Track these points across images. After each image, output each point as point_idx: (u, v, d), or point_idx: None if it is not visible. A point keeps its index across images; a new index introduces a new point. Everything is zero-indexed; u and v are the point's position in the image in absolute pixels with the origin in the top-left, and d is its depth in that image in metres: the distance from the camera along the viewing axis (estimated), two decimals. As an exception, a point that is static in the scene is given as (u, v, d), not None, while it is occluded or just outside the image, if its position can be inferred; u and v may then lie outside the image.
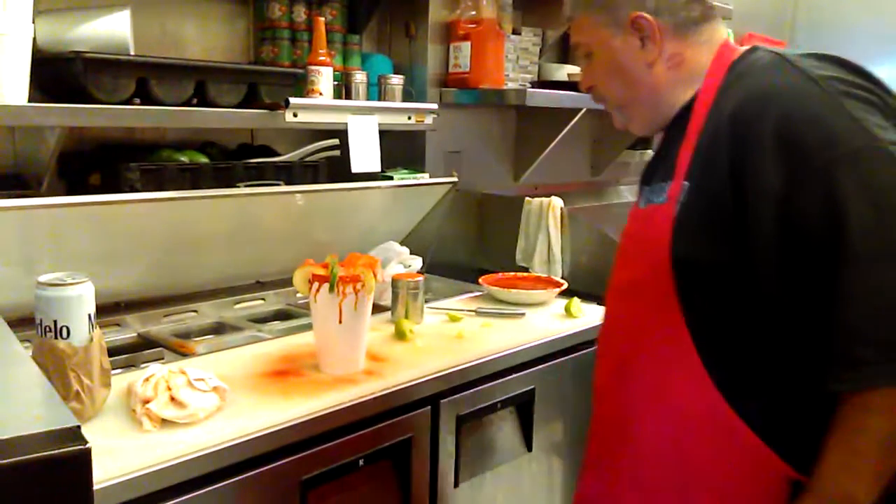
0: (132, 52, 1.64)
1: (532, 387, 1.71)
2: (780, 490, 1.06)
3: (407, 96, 2.24)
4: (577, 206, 2.63)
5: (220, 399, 1.23)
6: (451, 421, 1.52)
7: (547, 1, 2.61)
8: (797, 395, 1.05)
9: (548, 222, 2.22)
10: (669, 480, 1.14)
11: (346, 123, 1.97)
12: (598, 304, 1.98)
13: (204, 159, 1.85)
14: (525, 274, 2.19)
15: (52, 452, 0.51)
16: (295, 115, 1.84)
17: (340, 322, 1.40)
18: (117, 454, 1.06)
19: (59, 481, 0.52)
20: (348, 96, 2.11)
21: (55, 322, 1.11)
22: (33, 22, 1.43)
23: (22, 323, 1.28)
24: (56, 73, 1.55)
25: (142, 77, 1.59)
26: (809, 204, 0.97)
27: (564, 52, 2.85)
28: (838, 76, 1.03)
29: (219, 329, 1.85)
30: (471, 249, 2.41)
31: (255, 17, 2.10)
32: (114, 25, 1.61)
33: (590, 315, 1.91)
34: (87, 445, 0.52)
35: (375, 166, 2.03)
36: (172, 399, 1.18)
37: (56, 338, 1.11)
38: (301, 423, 1.25)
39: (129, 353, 1.54)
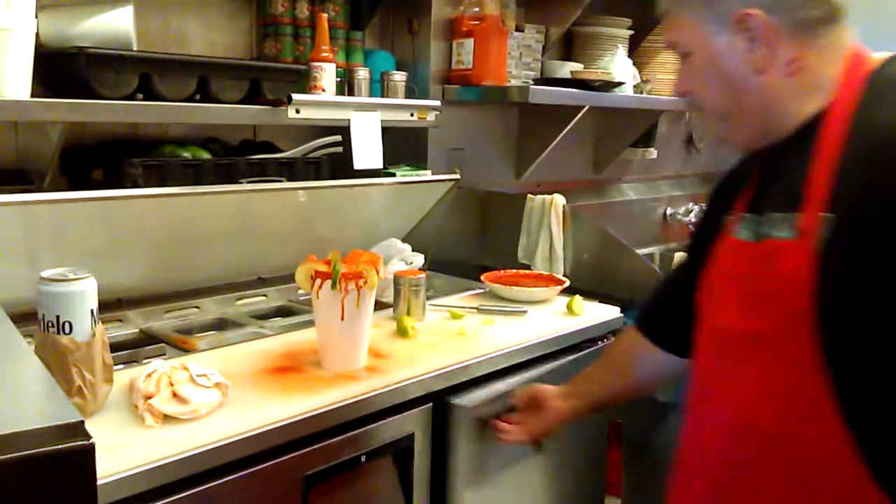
0: (135, 48, 1.64)
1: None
2: None
3: (409, 93, 2.23)
4: (580, 204, 2.63)
5: (222, 395, 1.23)
6: (456, 418, 1.52)
7: (550, -2, 2.61)
8: None
9: (550, 220, 2.22)
10: None
11: (349, 120, 1.97)
12: (599, 301, 1.99)
13: (206, 155, 1.85)
14: (527, 271, 2.19)
15: (56, 447, 0.51)
16: (297, 112, 1.83)
17: (342, 319, 1.40)
18: (119, 450, 1.06)
19: (62, 476, 0.51)
20: (351, 93, 2.10)
21: (57, 317, 1.11)
22: (36, 17, 1.43)
23: (24, 318, 1.27)
24: (59, 69, 1.55)
25: (145, 73, 1.59)
26: None
27: (567, 50, 2.85)
28: None
29: (220, 325, 1.85)
30: (473, 247, 2.41)
31: (258, 13, 2.10)
32: (117, 21, 1.61)
33: (592, 313, 1.91)
34: (91, 441, 0.52)
35: (378, 163, 2.03)
36: (174, 395, 1.18)
37: (58, 333, 1.11)
38: (303, 420, 1.25)
39: (130, 349, 1.54)
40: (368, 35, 2.30)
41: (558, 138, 2.57)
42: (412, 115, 2.16)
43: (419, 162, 2.30)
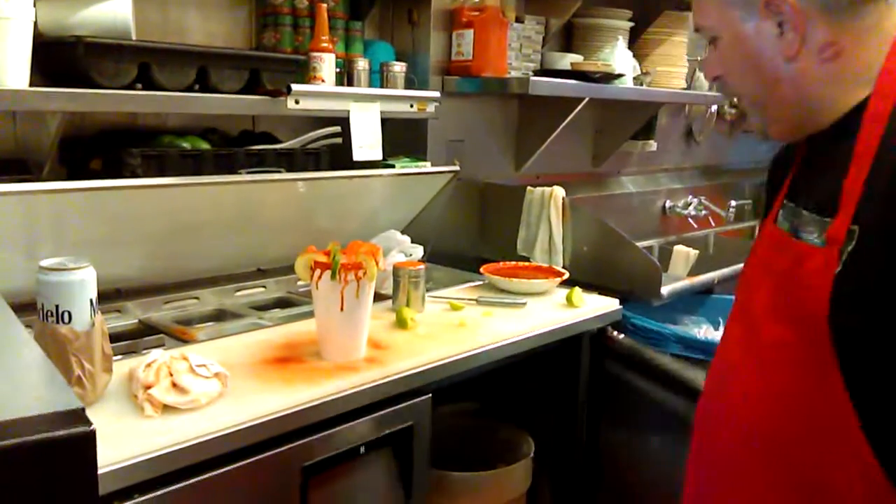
0: (134, 38, 1.63)
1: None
2: None
3: (409, 84, 2.23)
4: (579, 196, 2.63)
5: (221, 385, 1.23)
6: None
7: (550, -11, 2.60)
8: None
9: (549, 212, 2.21)
10: None
11: (348, 111, 1.96)
12: (599, 293, 1.99)
13: (205, 145, 1.84)
14: (526, 263, 2.18)
15: (56, 434, 0.50)
16: (297, 102, 1.83)
17: (342, 309, 1.40)
18: (119, 439, 1.06)
19: (62, 463, 0.51)
20: (350, 83, 2.10)
21: (57, 307, 1.11)
22: (35, 6, 1.42)
23: (22, 309, 1.27)
24: (57, 58, 1.54)
25: (143, 62, 1.58)
26: None
27: (567, 41, 2.84)
28: None
29: (220, 316, 1.85)
30: (472, 239, 2.40)
31: (257, 4, 2.09)
32: (115, 10, 1.60)
33: (591, 304, 1.91)
34: (92, 427, 0.52)
35: (377, 154, 2.02)
36: (174, 385, 1.18)
37: (58, 322, 1.11)
38: (302, 410, 1.25)
39: (129, 340, 1.53)
40: (368, 25, 2.29)
41: (558, 130, 2.56)
42: (412, 106, 2.15)
43: (418, 153, 2.30)
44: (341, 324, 1.42)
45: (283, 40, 2.04)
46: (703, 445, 1.10)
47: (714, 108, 3.32)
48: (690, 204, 3.26)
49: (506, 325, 1.72)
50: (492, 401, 2.07)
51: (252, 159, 1.85)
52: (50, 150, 1.62)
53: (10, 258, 1.48)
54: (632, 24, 2.82)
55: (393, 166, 2.15)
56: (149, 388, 1.16)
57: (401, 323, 1.66)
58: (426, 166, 2.24)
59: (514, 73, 2.49)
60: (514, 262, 2.17)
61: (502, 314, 1.80)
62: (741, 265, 1.13)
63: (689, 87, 3.09)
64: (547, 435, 1.98)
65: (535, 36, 2.61)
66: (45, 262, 1.12)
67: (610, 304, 1.95)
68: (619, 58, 2.66)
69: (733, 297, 1.12)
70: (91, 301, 1.14)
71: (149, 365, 1.20)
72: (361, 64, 2.11)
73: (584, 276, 2.07)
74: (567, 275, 2.04)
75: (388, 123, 2.05)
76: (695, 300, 2.31)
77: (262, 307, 1.92)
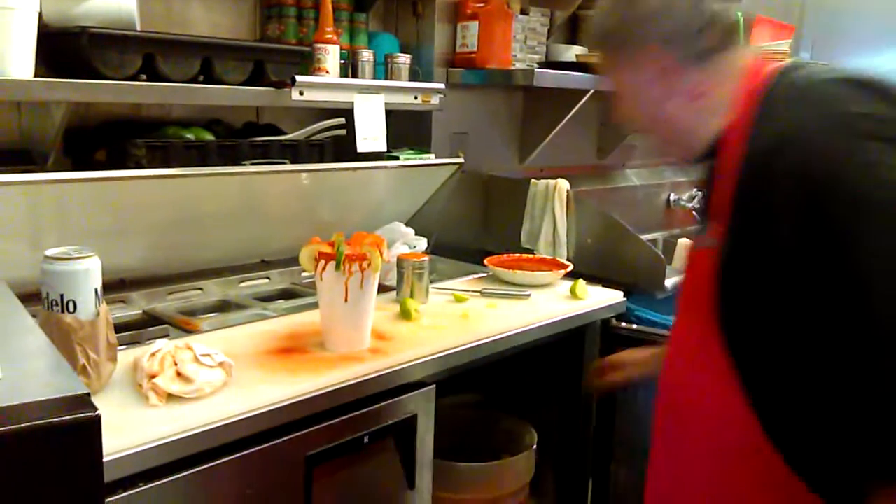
0: (138, 28, 1.63)
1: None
2: None
3: (413, 76, 2.22)
4: (583, 189, 2.62)
5: (225, 375, 1.23)
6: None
7: (555, -19, 2.59)
8: (835, 436, 0.97)
9: (553, 204, 2.21)
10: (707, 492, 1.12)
11: (353, 102, 1.96)
12: (603, 286, 1.99)
13: (210, 137, 1.84)
14: (530, 256, 2.18)
15: (62, 419, 0.51)
16: (301, 94, 1.83)
17: (346, 300, 1.40)
18: (123, 428, 1.07)
19: (68, 448, 0.52)
20: (354, 75, 2.10)
21: (62, 296, 1.11)
22: (39, -4, 1.42)
23: (27, 299, 1.27)
24: (62, 49, 1.54)
25: (148, 53, 1.58)
26: (828, 268, 0.91)
27: (573, 33, 2.83)
28: (871, 112, 0.95)
29: (224, 307, 1.85)
30: (476, 231, 2.40)
31: (262, -5, 2.09)
32: (120, 1, 1.60)
33: (595, 296, 1.91)
34: (97, 412, 0.52)
35: (381, 146, 2.02)
36: (178, 374, 1.18)
37: (62, 312, 1.11)
38: (306, 400, 1.25)
39: (134, 330, 1.54)
40: (372, 17, 2.28)
41: (562, 122, 2.56)
42: (416, 98, 2.15)
43: (423, 145, 2.30)
44: (345, 314, 1.43)
45: (288, 32, 2.04)
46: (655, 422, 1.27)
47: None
48: (695, 197, 3.25)
49: (510, 317, 1.72)
50: (495, 392, 2.07)
51: (256, 151, 1.85)
52: (54, 140, 1.62)
53: (14, 249, 1.48)
54: (637, 16, 2.81)
55: (397, 158, 2.15)
56: (153, 377, 1.17)
57: (405, 314, 1.66)
58: (430, 158, 2.24)
59: (518, 66, 2.49)
60: (518, 255, 2.17)
61: (506, 306, 1.80)
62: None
63: (694, 80, 3.08)
64: (550, 426, 1.98)
65: (540, 28, 2.61)
66: (49, 252, 1.12)
67: (614, 297, 1.95)
68: (624, 50, 2.65)
69: None
70: (96, 290, 1.14)
71: (153, 354, 1.21)
72: (366, 55, 2.10)
73: (588, 269, 2.07)
74: (571, 267, 2.04)
75: (392, 115, 2.05)
76: (699, 293, 2.30)
77: (267, 298, 1.92)
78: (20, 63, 1.40)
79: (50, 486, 0.51)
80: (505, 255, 2.14)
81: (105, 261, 1.16)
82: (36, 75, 1.43)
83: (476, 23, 2.30)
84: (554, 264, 2.09)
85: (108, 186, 1.56)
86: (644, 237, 2.17)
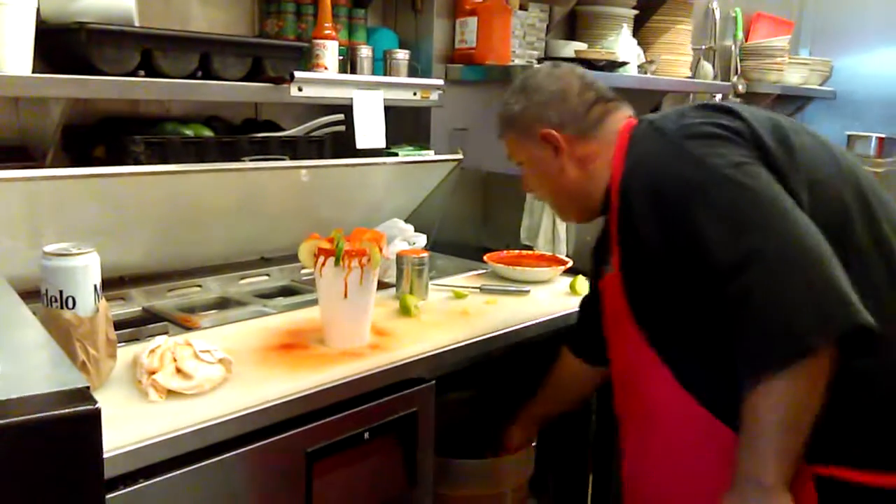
0: (137, 24, 1.63)
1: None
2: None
3: (412, 72, 2.22)
4: (583, 185, 2.62)
5: (225, 371, 1.23)
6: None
7: (554, -23, 2.59)
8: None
9: (553, 200, 2.21)
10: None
11: (352, 98, 1.95)
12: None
13: (209, 133, 1.84)
14: (529, 252, 2.18)
15: (62, 412, 0.51)
16: (300, 90, 1.82)
17: (346, 296, 1.40)
18: (123, 424, 1.07)
19: (68, 441, 0.51)
20: (353, 71, 2.09)
21: (61, 292, 1.11)
22: (37, -8, 1.42)
23: (26, 297, 1.27)
24: (60, 44, 1.53)
25: (146, 49, 1.58)
26: (680, 241, 1.14)
27: (571, 29, 2.83)
28: (693, 121, 1.21)
29: (223, 304, 1.85)
30: (475, 227, 2.40)
31: (260, -9, 2.08)
32: (118, -4, 1.60)
33: (595, 293, 1.91)
34: (97, 405, 0.52)
35: (380, 142, 2.02)
36: (178, 370, 1.18)
37: (62, 308, 1.11)
38: (306, 396, 1.25)
39: (133, 327, 1.54)
40: (371, 12, 2.28)
41: (562, 119, 2.55)
42: (415, 94, 2.15)
43: (422, 142, 2.29)
44: (345, 310, 1.42)
45: (286, 27, 2.03)
46: None
47: (718, 96, 3.31)
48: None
49: (509, 313, 1.72)
50: (494, 388, 2.07)
51: (255, 147, 1.85)
52: (53, 136, 1.61)
53: (13, 245, 1.48)
54: (636, 11, 2.81)
55: (396, 154, 2.14)
56: (153, 373, 1.17)
57: (404, 311, 1.66)
58: (429, 154, 2.24)
59: (517, 61, 2.48)
60: (517, 251, 2.17)
61: (506, 302, 1.80)
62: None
63: (693, 76, 3.08)
64: (550, 423, 1.98)
65: (539, 24, 2.60)
66: (48, 248, 1.12)
67: (613, 293, 1.94)
68: (623, 46, 2.65)
69: None
70: (95, 286, 1.14)
71: (153, 350, 1.21)
72: (365, 51, 2.10)
73: (587, 265, 2.06)
74: (570, 263, 2.04)
75: (391, 111, 2.05)
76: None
77: (266, 295, 1.92)
78: (18, 59, 1.39)
79: (50, 478, 0.51)
80: (504, 252, 2.14)
81: (104, 258, 1.16)
82: (34, 71, 1.43)
83: (475, 18, 2.30)
84: (553, 260, 2.08)
85: (106, 183, 1.56)
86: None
